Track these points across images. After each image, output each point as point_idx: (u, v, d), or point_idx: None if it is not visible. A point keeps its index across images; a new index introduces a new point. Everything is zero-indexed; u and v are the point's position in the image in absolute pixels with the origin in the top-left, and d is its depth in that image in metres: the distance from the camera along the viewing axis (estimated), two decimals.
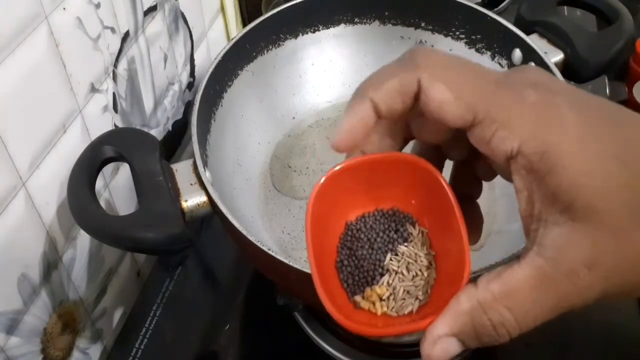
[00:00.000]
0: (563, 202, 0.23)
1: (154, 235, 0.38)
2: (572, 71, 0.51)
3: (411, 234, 0.30)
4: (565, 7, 0.69)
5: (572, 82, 0.51)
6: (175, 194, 0.41)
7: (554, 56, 0.51)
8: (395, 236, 0.30)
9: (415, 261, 0.29)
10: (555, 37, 0.52)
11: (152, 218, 0.39)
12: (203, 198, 0.41)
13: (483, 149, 0.25)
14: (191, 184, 0.42)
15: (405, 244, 0.30)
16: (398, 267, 0.29)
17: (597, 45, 0.50)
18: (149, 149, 0.42)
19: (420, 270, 0.29)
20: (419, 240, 0.30)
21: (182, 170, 0.43)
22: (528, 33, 0.51)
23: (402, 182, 0.30)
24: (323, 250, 0.30)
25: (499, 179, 0.32)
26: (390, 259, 0.29)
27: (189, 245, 0.41)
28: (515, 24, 0.52)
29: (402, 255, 0.29)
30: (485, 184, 0.31)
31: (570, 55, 0.51)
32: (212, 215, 0.42)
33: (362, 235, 0.30)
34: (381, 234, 0.30)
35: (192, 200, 0.41)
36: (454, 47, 0.56)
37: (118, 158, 0.42)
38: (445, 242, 0.29)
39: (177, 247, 0.40)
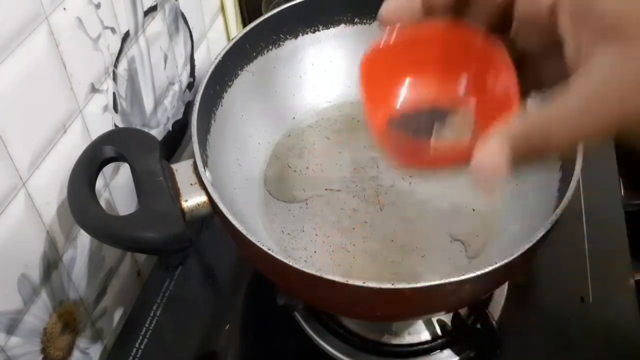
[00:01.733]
0: (608, 27, 0.25)
1: (154, 235, 0.38)
2: None
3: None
4: None
5: None
6: (175, 194, 0.41)
7: None
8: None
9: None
10: None
11: (152, 218, 0.39)
12: (203, 198, 0.41)
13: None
14: (191, 184, 0.42)
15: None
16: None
17: None
18: (149, 149, 0.42)
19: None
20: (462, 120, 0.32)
21: (182, 170, 0.43)
22: None
23: (449, 52, 0.32)
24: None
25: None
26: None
27: (189, 245, 0.41)
28: None
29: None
30: None
31: None
32: (212, 215, 0.42)
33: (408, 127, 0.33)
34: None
35: (192, 200, 0.41)
36: None
37: (118, 158, 0.42)
38: (493, 109, 0.30)
39: (178, 247, 0.40)
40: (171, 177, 0.42)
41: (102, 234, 0.39)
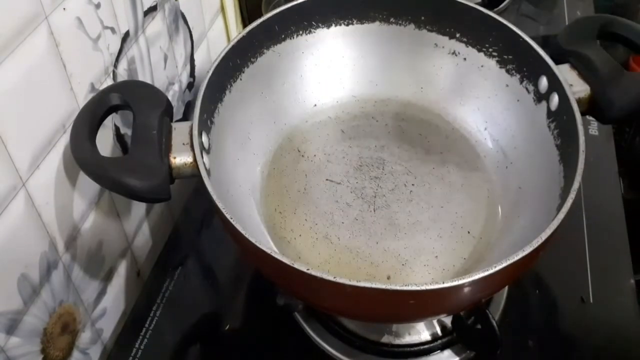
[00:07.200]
0: None
1: (136, 181, 0.41)
2: (596, 109, 0.48)
3: None
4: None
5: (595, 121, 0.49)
6: (166, 149, 0.43)
7: (580, 90, 0.48)
8: None
9: None
10: (586, 70, 0.48)
11: (137, 165, 0.42)
12: (191, 159, 0.43)
13: None
14: (184, 144, 0.44)
15: None
16: None
17: (627, 87, 0.47)
18: (155, 104, 0.45)
19: None
20: None
21: (179, 129, 0.45)
22: (561, 62, 0.49)
23: None
24: None
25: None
26: None
27: (167, 199, 0.43)
28: (550, 50, 0.49)
29: None
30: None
31: (596, 93, 0.48)
32: (198, 178, 0.43)
33: None
34: None
35: (180, 158, 0.43)
36: (486, 64, 0.55)
37: (124, 106, 0.45)
38: None
39: (155, 197, 0.42)
40: (168, 133, 0.44)
41: (90, 170, 0.41)
